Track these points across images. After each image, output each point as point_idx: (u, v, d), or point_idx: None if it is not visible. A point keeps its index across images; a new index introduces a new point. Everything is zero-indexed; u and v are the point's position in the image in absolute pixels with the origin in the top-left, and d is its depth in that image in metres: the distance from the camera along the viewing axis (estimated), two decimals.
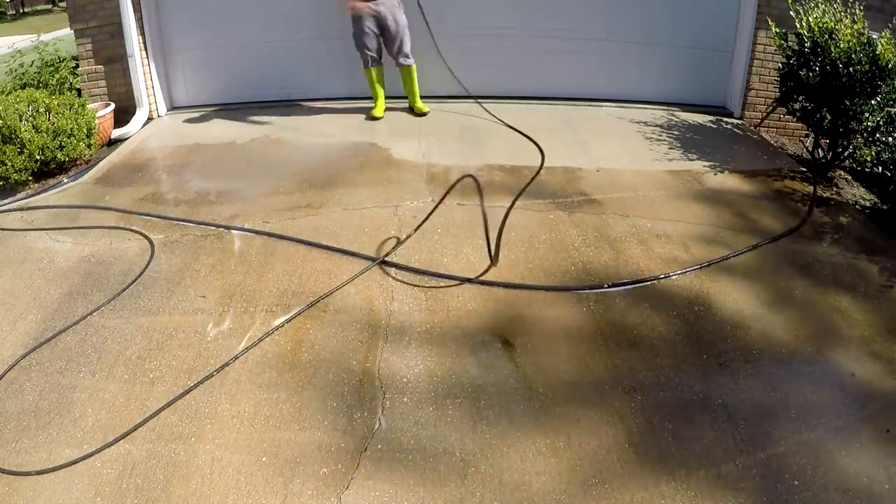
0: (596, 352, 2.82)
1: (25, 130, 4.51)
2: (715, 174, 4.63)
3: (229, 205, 4.19)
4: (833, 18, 4.64)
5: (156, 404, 2.55)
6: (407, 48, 5.47)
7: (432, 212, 3.73)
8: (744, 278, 3.36)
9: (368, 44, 5.37)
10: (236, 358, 2.78)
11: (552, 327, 2.97)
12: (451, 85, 6.03)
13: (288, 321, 3.01)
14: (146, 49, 5.77)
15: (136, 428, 2.43)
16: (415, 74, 5.64)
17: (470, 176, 3.58)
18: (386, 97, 5.82)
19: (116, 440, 2.38)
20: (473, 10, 5.89)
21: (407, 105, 5.88)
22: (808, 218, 4.00)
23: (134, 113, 5.80)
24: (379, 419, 2.46)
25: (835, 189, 4.58)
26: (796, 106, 4.88)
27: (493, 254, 3.35)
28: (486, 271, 3.35)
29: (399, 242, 3.63)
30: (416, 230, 3.72)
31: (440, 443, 2.36)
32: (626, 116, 5.80)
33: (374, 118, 5.66)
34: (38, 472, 2.25)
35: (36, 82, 5.90)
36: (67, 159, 4.85)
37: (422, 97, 5.83)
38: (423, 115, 5.73)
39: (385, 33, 5.37)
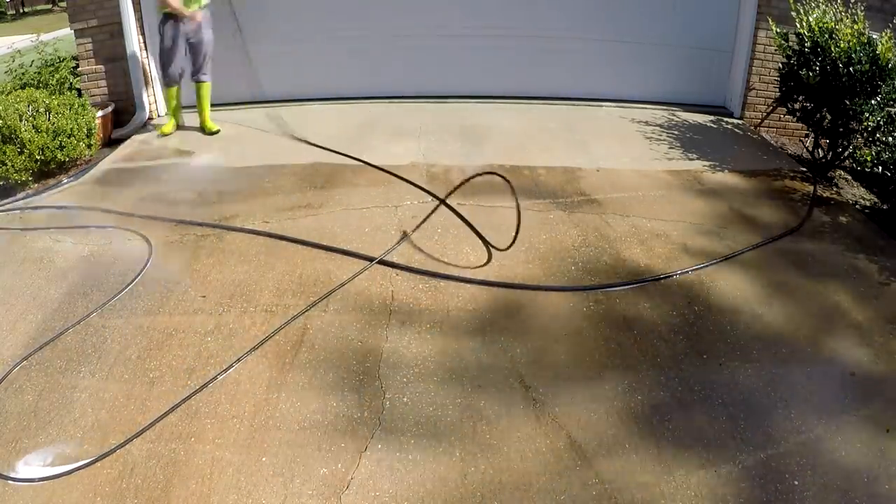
0: (596, 351, 2.82)
1: (25, 130, 4.51)
2: (715, 174, 4.63)
3: (229, 205, 4.19)
4: (833, 18, 4.64)
5: (156, 404, 2.55)
6: (209, 64, 5.35)
7: (432, 213, 3.74)
8: (744, 278, 3.36)
9: (179, 61, 5.20)
10: (239, 360, 2.77)
11: (552, 327, 2.97)
12: (449, 87, 6.04)
13: (288, 323, 3.01)
14: (146, 49, 5.77)
15: (140, 433, 2.42)
16: (209, 92, 5.47)
17: (480, 175, 3.59)
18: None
19: (122, 445, 2.37)
20: (477, 11, 5.89)
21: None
22: (807, 218, 4.00)
23: (134, 113, 5.80)
24: (380, 419, 2.46)
25: (835, 189, 4.58)
26: (796, 106, 4.89)
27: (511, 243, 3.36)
28: (486, 262, 3.34)
29: (397, 243, 3.63)
30: (414, 230, 3.73)
31: (440, 442, 2.36)
32: (626, 116, 5.80)
33: (165, 135, 5.45)
34: (41, 479, 2.24)
35: (36, 82, 5.89)
36: (67, 159, 4.85)
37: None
38: (214, 133, 5.48)
39: (193, 48, 5.22)
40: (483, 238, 3.47)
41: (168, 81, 5.32)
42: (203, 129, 5.56)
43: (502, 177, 3.58)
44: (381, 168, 4.62)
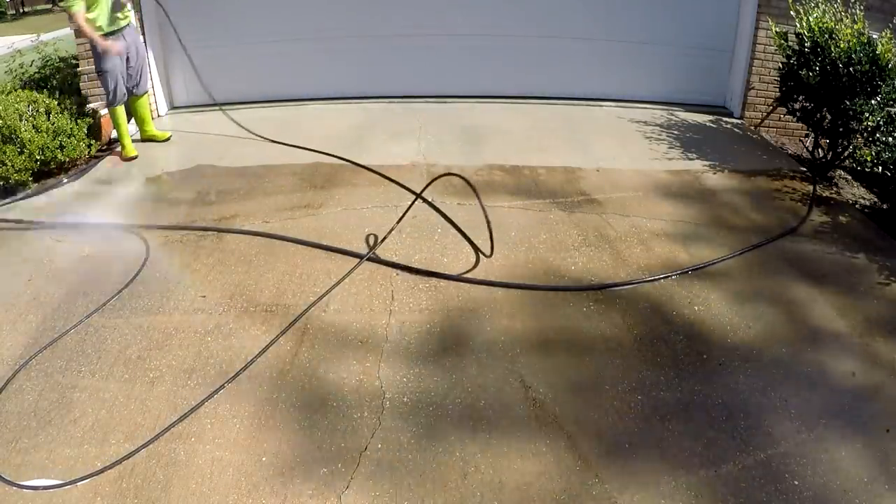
0: (596, 351, 2.82)
1: (25, 130, 4.51)
2: (715, 174, 4.63)
3: (229, 204, 4.19)
4: (833, 18, 4.65)
5: (156, 404, 2.55)
6: (147, 75, 5.26)
7: (412, 204, 3.79)
8: (744, 278, 3.36)
9: (120, 79, 4.92)
10: (246, 367, 2.75)
11: (552, 327, 2.97)
12: (449, 87, 6.05)
13: (288, 327, 3.00)
14: (146, 48, 5.76)
15: (150, 442, 2.40)
16: (147, 102, 5.34)
17: (455, 174, 3.61)
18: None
19: (131, 454, 2.36)
20: (478, 11, 5.90)
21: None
22: (807, 217, 4.00)
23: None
24: (379, 418, 2.46)
25: (834, 189, 4.59)
26: (796, 106, 4.89)
27: (489, 247, 3.40)
28: (475, 266, 3.38)
29: (382, 238, 3.65)
30: (397, 223, 3.76)
31: (440, 441, 2.36)
32: (626, 116, 5.80)
33: (132, 158, 5.06)
34: (46, 488, 2.21)
35: (36, 82, 5.89)
36: (67, 159, 4.85)
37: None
38: (166, 140, 5.38)
39: (129, 63, 4.99)
40: (466, 235, 3.56)
41: (113, 101, 4.98)
42: (153, 139, 5.38)
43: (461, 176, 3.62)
44: (370, 168, 4.64)
